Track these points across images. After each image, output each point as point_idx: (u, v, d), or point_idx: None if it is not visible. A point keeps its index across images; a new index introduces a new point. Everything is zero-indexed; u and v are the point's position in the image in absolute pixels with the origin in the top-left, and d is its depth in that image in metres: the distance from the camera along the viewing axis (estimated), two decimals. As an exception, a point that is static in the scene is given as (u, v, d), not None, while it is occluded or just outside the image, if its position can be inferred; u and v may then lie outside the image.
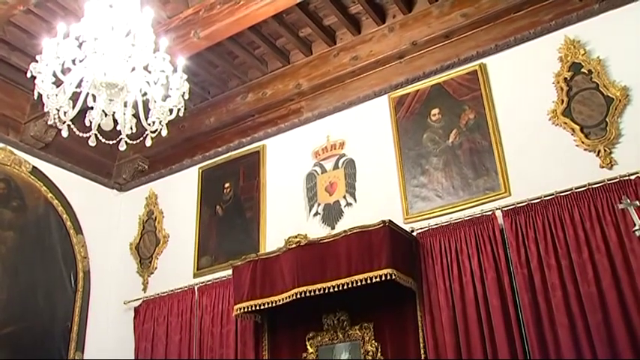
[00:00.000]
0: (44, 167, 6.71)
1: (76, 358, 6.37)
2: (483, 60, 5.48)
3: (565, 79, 4.97)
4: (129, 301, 6.75)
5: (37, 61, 3.51)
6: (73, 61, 3.50)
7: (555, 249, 4.46)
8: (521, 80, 5.24)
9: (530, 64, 5.22)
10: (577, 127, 4.81)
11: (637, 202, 3.93)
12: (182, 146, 7.09)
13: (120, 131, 3.73)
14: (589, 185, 4.50)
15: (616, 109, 4.68)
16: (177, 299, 6.33)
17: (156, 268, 6.89)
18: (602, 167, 4.61)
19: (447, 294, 4.75)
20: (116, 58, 3.52)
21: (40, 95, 3.51)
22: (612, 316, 4.12)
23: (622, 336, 4.04)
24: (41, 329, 6.14)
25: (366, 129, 5.96)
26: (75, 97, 3.56)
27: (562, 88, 4.96)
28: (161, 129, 3.76)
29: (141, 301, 6.69)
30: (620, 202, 3.95)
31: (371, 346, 5.02)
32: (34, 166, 6.59)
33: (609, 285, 4.18)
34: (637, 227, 3.71)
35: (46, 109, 3.57)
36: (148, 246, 7.08)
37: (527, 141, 5.00)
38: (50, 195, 6.67)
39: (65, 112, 3.54)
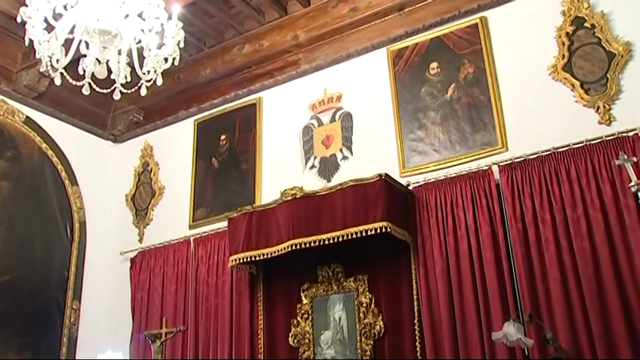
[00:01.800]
0: (38, 117, 6.65)
1: (74, 307, 6.46)
2: (484, 13, 5.38)
3: (567, 33, 4.89)
4: (125, 252, 6.80)
5: (27, 6, 3.42)
6: (65, 7, 3.41)
7: (550, 204, 4.49)
8: (522, 34, 5.16)
9: (532, 17, 5.13)
10: (577, 83, 4.76)
11: (634, 159, 3.90)
12: (177, 98, 7.01)
13: (114, 80, 3.66)
14: (587, 141, 4.49)
15: (617, 64, 4.63)
16: (173, 250, 6.38)
17: (151, 219, 6.91)
18: (601, 123, 4.59)
19: (441, 247, 4.80)
20: (109, 3, 3.43)
21: (31, 42, 3.43)
22: (603, 271, 4.17)
23: (612, 290, 4.11)
24: (38, 278, 6.21)
25: (364, 82, 5.89)
26: (67, 44, 3.49)
27: (564, 43, 4.88)
28: (156, 78, 3.70)
29: (137, 251, 6.74)
30: (617, 159, 3.93)
31: (365, 297, 5.09)
32: (27, 116, 6.53)
33: (602, 240, 4.22)
34: (632, 183, 3.69)
35: (37, 56, 3.50)
36: (143, 197, 7.09)
37: (526, 96, 4.96)
38: (44, 145, 6.63)
39: (57, 60, 3.46)
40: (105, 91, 3.75)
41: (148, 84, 3.72)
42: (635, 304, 3.98)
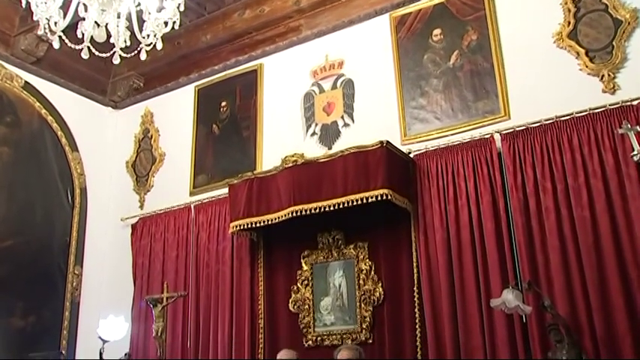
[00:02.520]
0: (37, 83, 6.60)
1: (76, 272, 6.51)
2: (490, -22, 5.29)
3: (573, -1, 4.81)
4: (126, 218, 6.83)
5: (23, -33, 3.36)
6: (62, -33, 3.35)
7: (552, 173, 4.48)
8: (527, 0, 5.07)
9: (538, -17, 5.04)
10: (582, 51, 4.70)
11: (637, 128, 3.88)
12: (178, 64, 6.94)
13: (113, 44, 3.61)
14: (590, 110, 4.45)
15: (624, 32, 4.56)
16: (174, 216, 6.40)
17: (152, 185, 6.92)
18: (605, 92, 4.54)
19: (441, 216, 4.80)
20: (107, -36, 3.36)
21: (28, 4, 3.38)
22: (603, 240, 4.19)
23: (610, 259, 4.13)
24: (40, 244, 6.24)
25: (366, 49, 5.82)
26: (65, 6, 3.43)
27: (569, 10, 4.81)
28: (156, 42, 3.64)
29: (138, 218, 6.76)
30: (620, 128, 3.91)
31: (365, 264, 5.12)
32: (26, 81, 6.48)
33: (602, 209, 4.22)
34: (635, 152, 3.68)
35: (35, 19, 3.44)
36: (144, 164, 7.08)
37: (530, 64, 4.90)
38: (44, 111, 6.60)
39: (55, 23, 3.41)
40: (104, 55, 3.71)
41: (148, 48, 3.66)
42: (634, 273, 4.00)
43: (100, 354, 5.12)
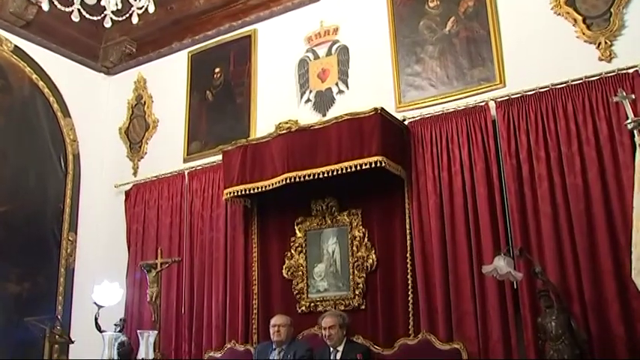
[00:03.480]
0: (27, 47, 6.51)
1: (70, 238, 6.52)
2: (487, -58, 5.20)
3: (572, -36, 4.74)
4: (119, 185, 6.82)
5: None
6: None
7: (545, 141, 4.48)
8: (525, -34, 5.01)
9: (537, -53, 4.96)
10: (579, 18, 4.65)
11: (632, 96, 3.88)
12: (170, 29, 6.85)
13: (104, 7, 3.55)
14: (585, 78, 4.44)
15: (622, -2, 4.52)
16: (168, 183, 6.40)
17: (146, 152, 6.90)
18: (601, 60, 4.52)
19: (435, 182, 4.82)
20: None
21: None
22: (594, 207, 4.22)
23: (601, 226, 4.17)
24: (33, 210, 6.24)
25: (361, 15, 5.75)
26: (54, -34, 3.36)
27: (568, -25, 4.75)
28: (148, 5, 3.59)
29: (131, 184, 6.76)
30: (615, 96, 3.90)
31: (358, 231, 5.15)
32: (16, 45, 6.38)
33: (595, 176, 4.25)
34: (629, 120, 3.68)
35: (24, -20, 3.38)
36: (137, 130, 7.04)
37: (527, 31, 4.86)
38: (35, 76, 6.51)
39: (44, -17, 3.35)
40: (95, 18, 3.64)
41: (140, 12, 3.61)
42: (624, 241, 4.02)
43: (96, 319, 5.16)
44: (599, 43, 4.54)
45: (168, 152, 6.61)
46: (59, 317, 5.80)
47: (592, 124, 4.35)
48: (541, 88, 4.58)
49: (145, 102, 7.07)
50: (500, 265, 3.94)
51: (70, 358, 6.13)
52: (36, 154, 6.38)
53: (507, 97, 4.70)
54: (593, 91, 4.39)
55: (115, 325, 5.70)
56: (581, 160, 4.32)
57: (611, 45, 4.51)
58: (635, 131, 3.65)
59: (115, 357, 4.78)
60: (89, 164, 6.86)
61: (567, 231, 4.27)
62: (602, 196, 4.20)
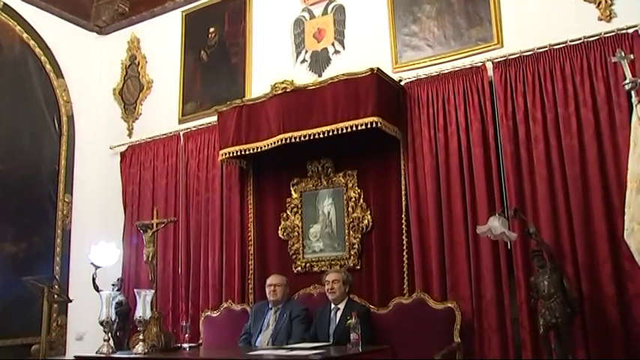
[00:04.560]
0: (16, 5, 6.37)
1: (66, 200, 6.52)
2: None
3: None
4: (115, 146, 6.79)
5: None
6: None
7: (542, 102, 4.46)
8: None
9: None
10: (579, -24, 4.58)
11: (631, 56, 3.84)
12: (164, -13, 6.73)
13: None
14: (584, 38, 4.38)
15: (623, -45, 4.44)
16: (163, 144, 6.37)
17: (140, 113, 6.84)
18: (601, 20, 4.45)
19: (431, 143, 4.81)
20: None
21: None
22: (589, 169, 4.22)
23: (596, 188, 4.18)
24: (29, 172, 6.21)
25: (358, -27, 5.64)
26: None
27: None
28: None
29: (126, 146, 6.73)
30: (614, 56, 3.86)
31: (354, 192, 5.16)
32: (5, 3, 6.25)
33: (591, 138, 4.24)
34: (627, 81, 3.65)
35: None
36: (131, 91, 6.97)
37: (525, -10, 4.79)
38: (26, 35, 6.40)
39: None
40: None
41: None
42: (617, 202, 4.03)
43: (93, 279, 5.19)
44: (599, 3, 4.47)
45: (163, 113, 6.56)
46: (57, 277, 5.84)
47: (589, 85, 4.31)
48: (539, 48, 4.52)
49: (138, 62, 6.99)
50: (495, 225, 3.96)
51: (68, 316, 6.23)
52: (29, 115, 6.31)
53: (505, 58, 4.65)
54: (592, 52, 4.34)
55: (113, 285, 5.76)
56: (578, 122, 4.31)
57: (611, 4, 4.44)
58: (632, 92, 3.62)
59: (113, 316, 4.84)
60: (83, 126, 6.81)
61: (562, 192, 4.29)
62: (597, 158, 4.20)
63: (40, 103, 6.44)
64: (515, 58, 4.60)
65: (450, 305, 4.46)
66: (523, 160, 4.45)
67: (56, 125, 6.58)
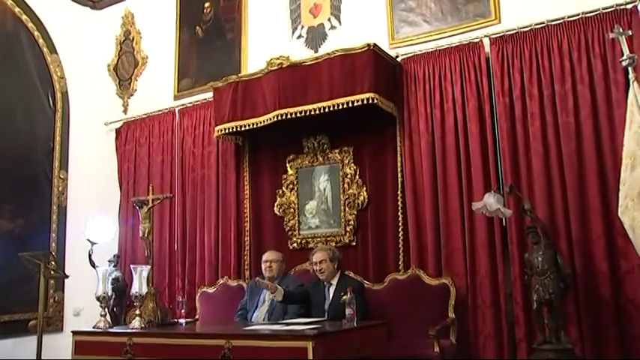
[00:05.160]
0: (8, -22, 6.28)
1: (61, 177, 6.50)
2: None
3: None
4: (109, 123, 6.76)
5: None
6: None
7: (539, 79, 4.44)
8: None
9: None
10: (578, -50, 4.52)
11: (629, 32, 3.82)
12: (157, -39, 6.64)
13: None
14: (582, 14, 4.35)
15: None
16: (158, 121, 6.35)
17: (135, 89, 6.80)
18: (600, -6, 4.42)
19: (427, 120, 4.80)
20: None
21: None
22: (585, 146, 4.23)
23: (591, 165, 4.19)
24: (23, 148, 6.18)
25: (355, -53, 5.57)
26: None
27: None
28: None
29: (122, 122, 6.70)
30: (612, 32, 3.83)
31: (350, 169, 5.16)
32: (-5, -24, 6.16)
33: (587, 115, 4.24)
34: (625, 57, 3.63)
35: None
36: (126, 67, 6.92)
37: (525, -37, 4.73)
38: (18, 10, 6.32)
39: None
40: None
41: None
42: (612, 180, 4.04)
43: (90, 256, 5.20)
44: (598, -22, 4.43)
45: (158, 89, 6.53)
46: (53, 253, 5.85)
47: (587, 61, 4.30)
48: (536, 24, 4.50)
49: (133, 38, 6.92)
50: (490, 201, 3.97)
51: (65, 293, 6.26)
52: (23, 92, 6.26)
53: (502, 34, 4.62)
54: (590, 28, 4.31)
55: (109, 261, 5.79)
56: (574, 99, 4.30)
57: (610, -21, 4.40)
58: (629, 68, 3.61)
59: (110, 291, 4.86)
60: (78, 102, 6.76)
61: (557, 169, 4.30)
62: (593, 135, 4.21)
63: (34, 79, 6.39)
64: (513, 34, 4.58)
65: (444, 281, 4.50)
66: (519, 137, 4.45)
67: (50, 101, 6.53)
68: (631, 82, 3.57)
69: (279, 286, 4.43)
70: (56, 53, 6.62)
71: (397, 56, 5.01)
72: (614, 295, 4.00)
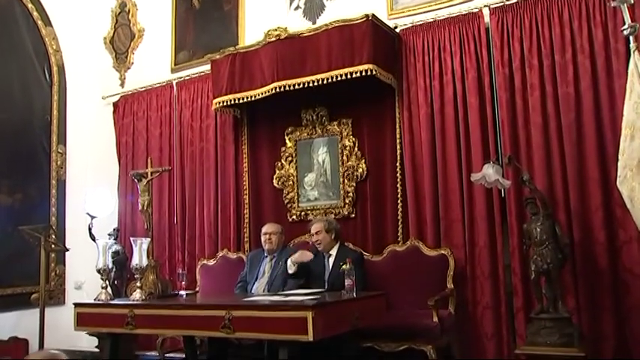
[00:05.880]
0: (0, -51, 6.18)
1: (59, 151, 6.48)
2: None
3: None
4: (107, 96, 6.72)
5: None
6: None
7: (539, 49, 4.40)
8: None
9: None
10: None
11: (631, 0, 3.77)
12: None
13: None
14: (584, -20, 4.30)
15: None
16: (156, 94, 6.32)
17: (132, 63, 6.75)
18: (601, -38, 4.36)
19: (426, 92, 4.77)
20: None
21: None
22: (585, 117, 4.21)
23: (590, 136, 4.17)
24: (20, 123, 6.15)
25: None
26: None
27: None
28: None
29: (119, 96, 6.67)
30: (613, 0, 3.78)
31: (348, 141, 5.14)
32: (-15, -54, 6.06)
33: (587, 86, 4.21)
34: (626, 26, 3.58)
35: None
36: (122, 40, 6.86)
37: None
38: (10, -18, 6.23)
39: None
40: None
41: None
42: (612, 150, 4.03)
43: (89, 229, 5.22)
44: (600, -56, 4.36)
45: (155, 62, 6.48)
46: (53, 227, 5.87)
47: (587, 30, 4.25)
48: (538, -8, 4.44)
49: (129, 10, 6.85)
50: (489, 172, 3.96)
51: (67, 266, 6.29)
52: (18, 65, 6.20)
53: (502, 4, 4.56)
54: (592, -4, 4.27)
55: (109, 235, 5.81)
56: (574, 69, 4.27)
57: (612, -55, 4.33)
58: (630, 37, 3.56)
59: (110, 264, 4.88)
60: (75, 75, 6.70)
61: (556, 140, 4.29)
62: (593, 106, 4.18)
63: (29, 53, 6.33)
64: (513, 3, 4.53)
65: (443, 252, 4.52)
66: (518, 108, 4.43)
67: (47, 75, 6.48)
68: (632, 52, 3.52)
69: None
70: (51, 26, 6.54)
71: (396, 27, 4.96)
72: (611, 264, 4.03)
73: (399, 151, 4.89)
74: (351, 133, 5.15)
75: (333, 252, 4.63)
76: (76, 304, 4.36)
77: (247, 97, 5.06)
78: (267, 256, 4.88)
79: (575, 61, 4.28)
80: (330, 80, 4.61)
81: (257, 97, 4.99)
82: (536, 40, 4.42)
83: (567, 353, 3.62)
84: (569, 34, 4.31)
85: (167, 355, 5.34)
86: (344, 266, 3.89)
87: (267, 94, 4.90)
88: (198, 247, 5.79)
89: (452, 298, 4.43)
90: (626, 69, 3.78)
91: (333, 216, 5.05)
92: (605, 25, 4.19)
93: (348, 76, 4.54)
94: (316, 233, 4.62)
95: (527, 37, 4.45)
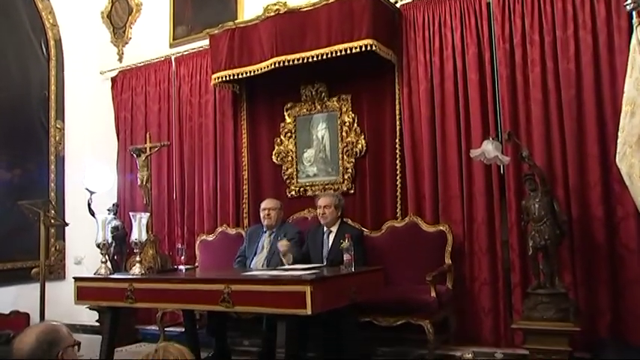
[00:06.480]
0: None
1: (58, 126, 6.46)
2: None
3: None
4: (105, 71, 6.68)
5: None
6: None
7: (541, 24, 4.37)
8: None
9: None
10: None
11: (635, -26, 3.73)
12: None
13: None
14: (587, -45, 4.24)
15: None
16: (154, 69, 6.28)
17: (130, 37, 6.70)
18: None
19: (426, 67, 4.75)
20: None
21: None
22: (585, 93, 4.19)
23: (590, 112, 4.16)
24: (18, 98, 6.12)
25: None
26: None
27: None
28: None
29: (117, 71, 6.62)
30: (616, -25, 3.75)
31: (348, 117, 5.13)
32: None
33: (588, 62, 4.18)
34: (629, 2, 3.56)
35: None
36: (120, 15, 6.79)
37: None
38: (5, -45, 6.15)
39: None
40: None
41: None
42: (612, 127, 4.02)
43: (89, 205, 5.21)
44: None
45: (153, 37, 6.43)
46: (52, 202, 5.87)
47: (590, 6, 4.21)
48: (541, -34, 4.39)
49: (126, -17, 6.77)
50: (488, 148, 3.96)
51: (66, 242, 6.32)
52: (15, 40, 6.16)
53: (504, -22, 4.52)
54: (595, -30, 4.22)
55: (108, 210, 5.81)
56: (576, 45, 4.23)
57: None
58: (633, 13, 3.54)
59: (109, 239, 4.89)
60: (72, 50, 6.65)
61: (556, 116, 4.27)
62: (593, 82, 4.16)
63: (26, 27, 6.27)
64: (515, -23, 4.47)
65: (441, 228, 4.54)
66: (519, 84, 4.41)
67: (44, 50, 6.43)
68: (634, 27, 3.50)
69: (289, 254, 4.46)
70: (47, 0, 6.47)
71: (396, 2, 4.91)
72: (608, 240, 4.05)
73: (398, 127, 4.88)
74: (350, 109, 5.13)
75: (334, 228, 4.63)
76: (76, 279, 4.38)
77: (246, 73, 5.03)
78: (266, 232, 4.89)
79: (577, 36, 4.24)
80: (329, 55, 4.58)
81: (256, 72, 4.96)
82: (538, 15, 4.38)
83: (563, 328, 3.65)
84: (572, 10, 4.27)
85: (167, 329, 5.38)
86: (343, 243, 3.90)
87: (267, 69, 4.87)
88: (197, 223, 5.81)
89: (450, 274, 4.46)
90: (627, 45, 3.75)
91: (332, 192, 5.05)
92: (608, 0, 4.15)
93: (348, 52, 4.51)
94: (325, 207, 4.61)
95: (529, 11, 4.41)
